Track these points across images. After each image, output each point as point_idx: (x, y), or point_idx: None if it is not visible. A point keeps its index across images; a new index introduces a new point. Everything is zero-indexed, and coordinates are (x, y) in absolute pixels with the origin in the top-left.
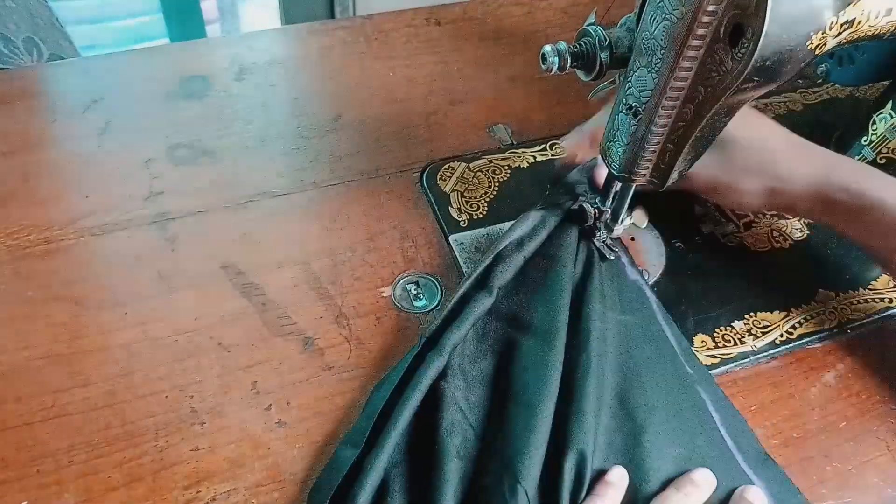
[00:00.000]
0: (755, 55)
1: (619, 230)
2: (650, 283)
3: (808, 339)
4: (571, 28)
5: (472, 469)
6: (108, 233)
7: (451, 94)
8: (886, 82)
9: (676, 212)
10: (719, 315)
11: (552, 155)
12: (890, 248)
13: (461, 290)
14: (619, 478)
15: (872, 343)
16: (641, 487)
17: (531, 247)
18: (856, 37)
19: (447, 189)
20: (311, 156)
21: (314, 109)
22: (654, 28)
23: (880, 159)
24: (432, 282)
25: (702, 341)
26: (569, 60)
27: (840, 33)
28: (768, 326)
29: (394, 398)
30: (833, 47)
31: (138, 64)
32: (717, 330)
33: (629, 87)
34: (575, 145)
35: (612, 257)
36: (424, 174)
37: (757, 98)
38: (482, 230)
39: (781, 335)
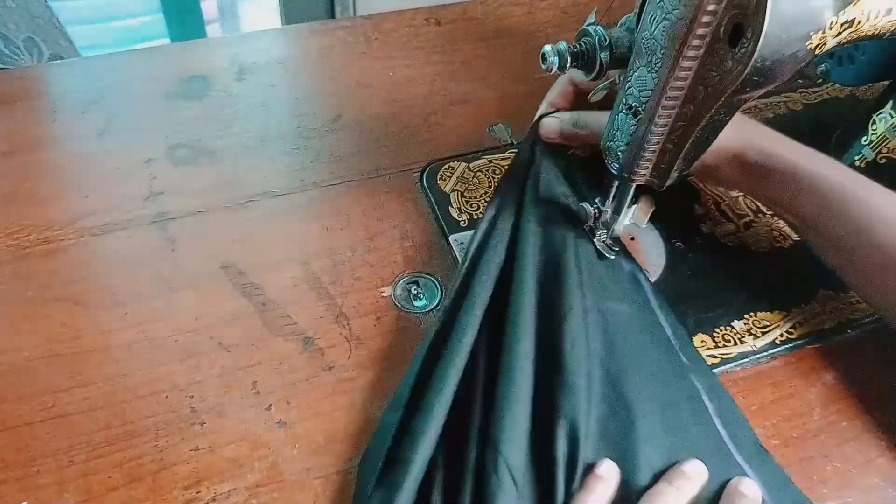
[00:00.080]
0: (755, 55)
1: (619, 229)
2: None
3: (808, 339)
4: (571, 28)
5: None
6: (108, 233)
7: (451, 94)
8: (886, 82)
9: (676, 212)
10: (719, 315)
11: None
12: (798, 207)
13: (474, 245)
14: (608, 471)
15: (872, 343)
16: (633, 478)
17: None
18: (856, 37)
19: (447, 189)
20: (311, 156)
21: (314, 109)
22: (654, 28)
23: (880, 159)
24: (432, 282)
25: (702, 341)
26: (569, 60)
27: (840, 33)
28: (768, 326)
29: (431, 360)
30: (833, 47)
31: (138, 64)
32: (716, 330)
33: (629, 87)
34: (559, 95)
35: (612, 257)
36: (424, 174)
37: (757, 98)
38: None
39: (781, 335)
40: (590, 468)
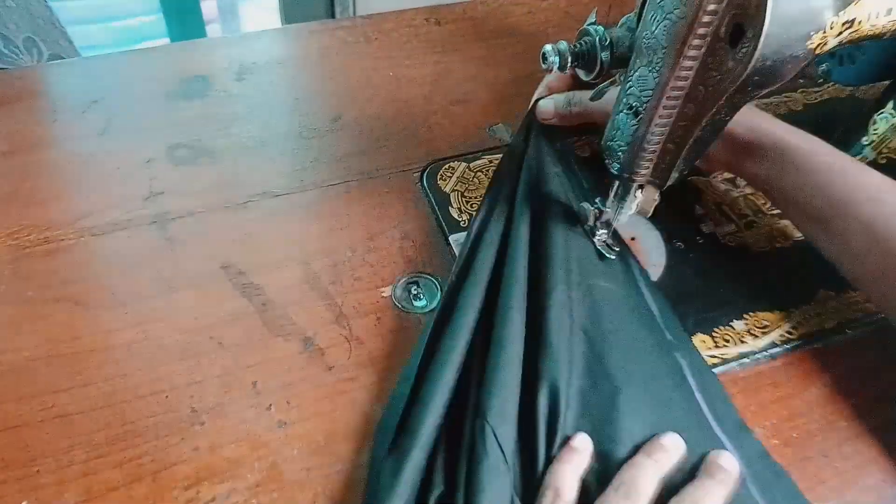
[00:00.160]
0: (756, 55)
1: (624, 219)
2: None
3: (808, 339)
4: (572, 28)
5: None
6: (108, 233)
7: (452, 94)
8: (887, 82)
9: (677, 212)
10: (719, 315)
11: None
12: (782, 182)
13: (474, 229)
14: (582, 443)
15: (872, 343)
16: (614, 450)
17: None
18: (856, 37)
19: (447, 189)
20: (311, 156)
21: (314, 109)
22: (654, 28)
23: (881, 159)
24: (432, 282)
25: (702, 341)
26: (569, 60)
27: (840, 33)
28: (768, 326)
29: (438, 333)
30: (833, 47)
31: (138, 64)
32: (716, 330)
33: (630, 87)
34: (556, 79)
35: (613, 256)
36: (424, 174)
37: (757, 98)
38: None
39: (781, 335)
40: (567, 440)
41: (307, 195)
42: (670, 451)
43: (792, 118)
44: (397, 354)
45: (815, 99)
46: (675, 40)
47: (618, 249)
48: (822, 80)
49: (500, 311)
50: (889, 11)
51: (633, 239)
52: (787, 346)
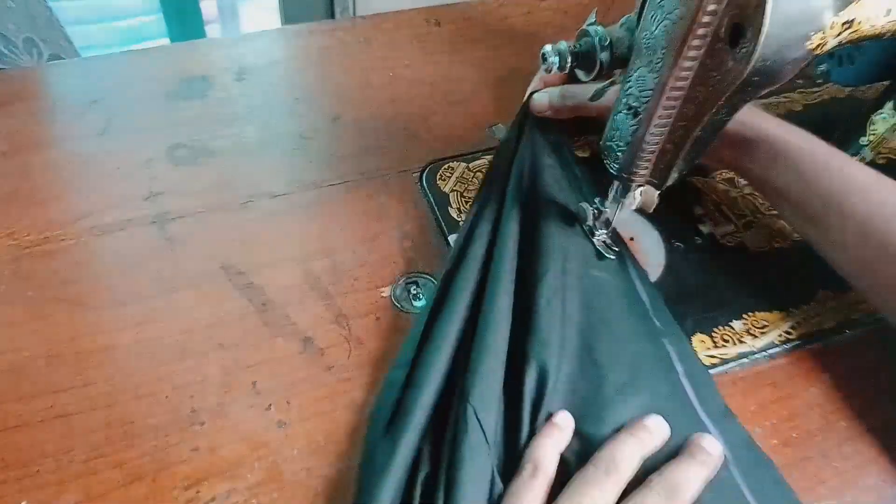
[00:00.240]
0: (755, 55)
1: (624, 215)
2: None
3: (807, 339)
4: (571, 28)
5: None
6: (108, 233)
7: (451, 94)
8: (886, 82)
9: (676, 212)
10: (719, 315)
11: None
12: (773, 176)
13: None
14: (563, 420)
15: (872, 343)
16: (596, 432)
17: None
18: (856, 37)
19: (447, 189)
20: (311, 156)
21: (314, 110)
22: (654, 28)
23: (880, 159)
24: (432, 282)
25: (701, 341)
26: (569, 60)
27: (840, 33)
28: (768, 326)
29: (432, 320)
30: (833, 47)
31: (138, 64)
32: (716, 330)
33: (629, 87)
34: (552, 76)
35: (612, 256)
36: (424, 174)
37: (757, 98)
38: None
39: (781, 335)
40: (550, 417)
41: (307, 195)
42: (653, 431)
43: (791, 118)
44: (397, 354)
45: (814, 99)
46: (674, 41)
47: (617, 249)
48: (821, 81)
49: (488, 298)
50: (888, 12)
51: (631, 239)
52: (787, 346)
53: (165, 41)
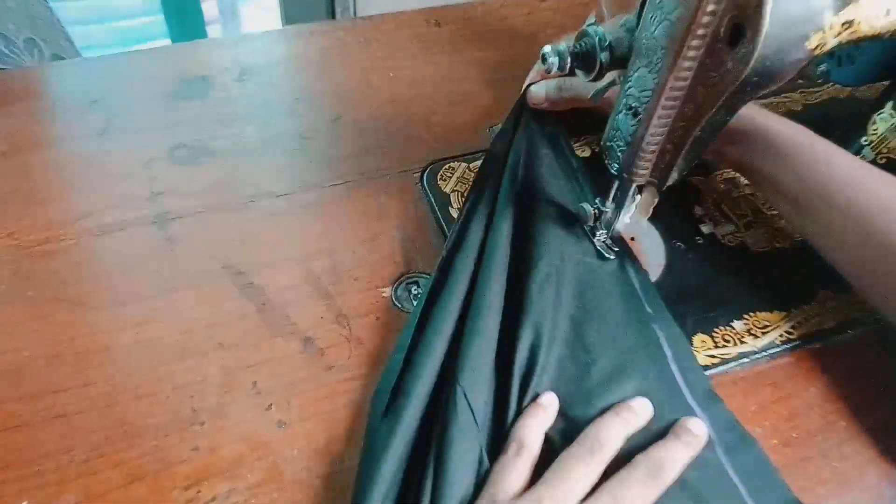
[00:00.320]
0: (755, 55)
1: (620, 227)
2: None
3: (808, 339)
4: (571, 29)
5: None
6: (108, 233)
7: (452, 94)
8: (886, 82)
9: (676, 212)
10: (719, 315)
11: None
12: (764, 167)
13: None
14: (549, 400)
15: (872, 343)
16: (586, 414)
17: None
18: (855, 37)
19: (447, 189)
20: (311, 156)
21: (314, 109)
22: (654, 28)
23: (880, 159)
24: None
25: (702, 341)
26: (569, 60)
27: (840, 33)
28: (768, 326)
29: (429, 305)
30: (833, 47)
31: (138, 64)
32: (716, 330)
33: (629, 88)
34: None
35: (612, 257)
36: (424, 174)
37: (757, 98)
38: None
39: (781, 335)
40: (536, 397)
41: (307, 195)
42: (639, 412)
43: (791, 119)
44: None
45: (815, 99)
46: (674, 41)
47: (617, 249)
48: (821, 81)
49: (481, 282)
50: (888, 12)
51: (632, 239)
52: (787, 346)
53: (166, 42)
